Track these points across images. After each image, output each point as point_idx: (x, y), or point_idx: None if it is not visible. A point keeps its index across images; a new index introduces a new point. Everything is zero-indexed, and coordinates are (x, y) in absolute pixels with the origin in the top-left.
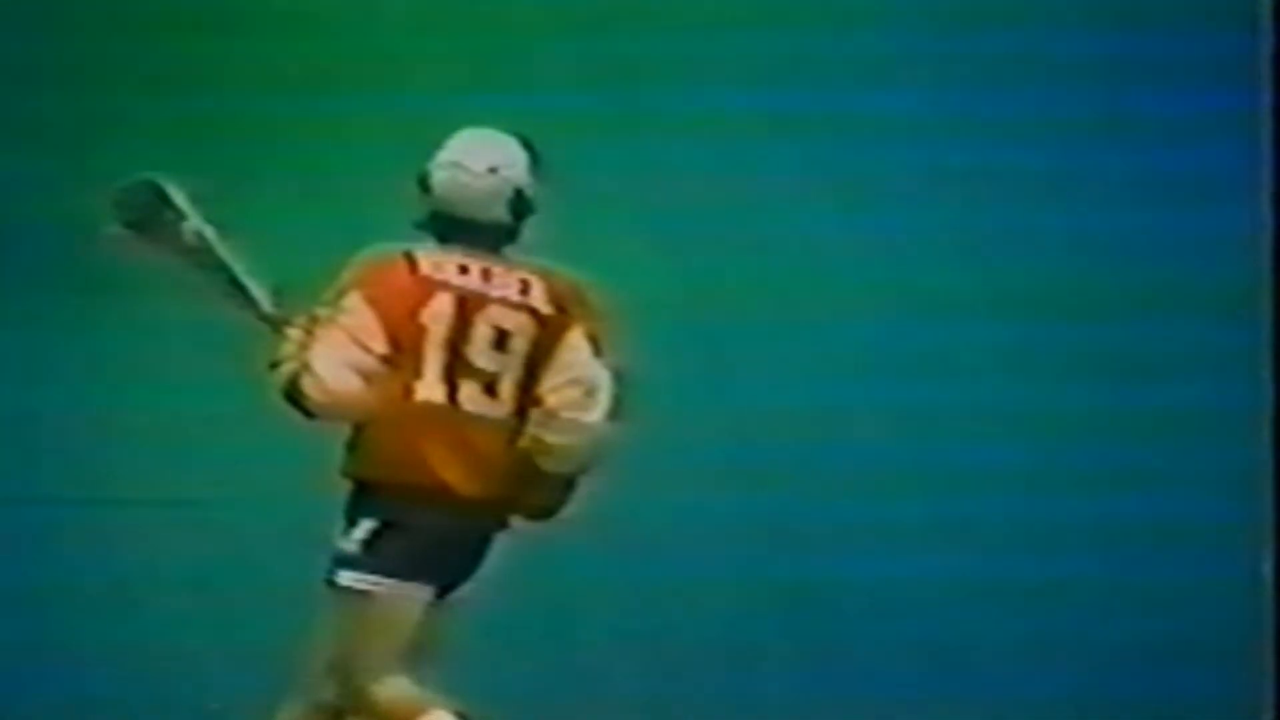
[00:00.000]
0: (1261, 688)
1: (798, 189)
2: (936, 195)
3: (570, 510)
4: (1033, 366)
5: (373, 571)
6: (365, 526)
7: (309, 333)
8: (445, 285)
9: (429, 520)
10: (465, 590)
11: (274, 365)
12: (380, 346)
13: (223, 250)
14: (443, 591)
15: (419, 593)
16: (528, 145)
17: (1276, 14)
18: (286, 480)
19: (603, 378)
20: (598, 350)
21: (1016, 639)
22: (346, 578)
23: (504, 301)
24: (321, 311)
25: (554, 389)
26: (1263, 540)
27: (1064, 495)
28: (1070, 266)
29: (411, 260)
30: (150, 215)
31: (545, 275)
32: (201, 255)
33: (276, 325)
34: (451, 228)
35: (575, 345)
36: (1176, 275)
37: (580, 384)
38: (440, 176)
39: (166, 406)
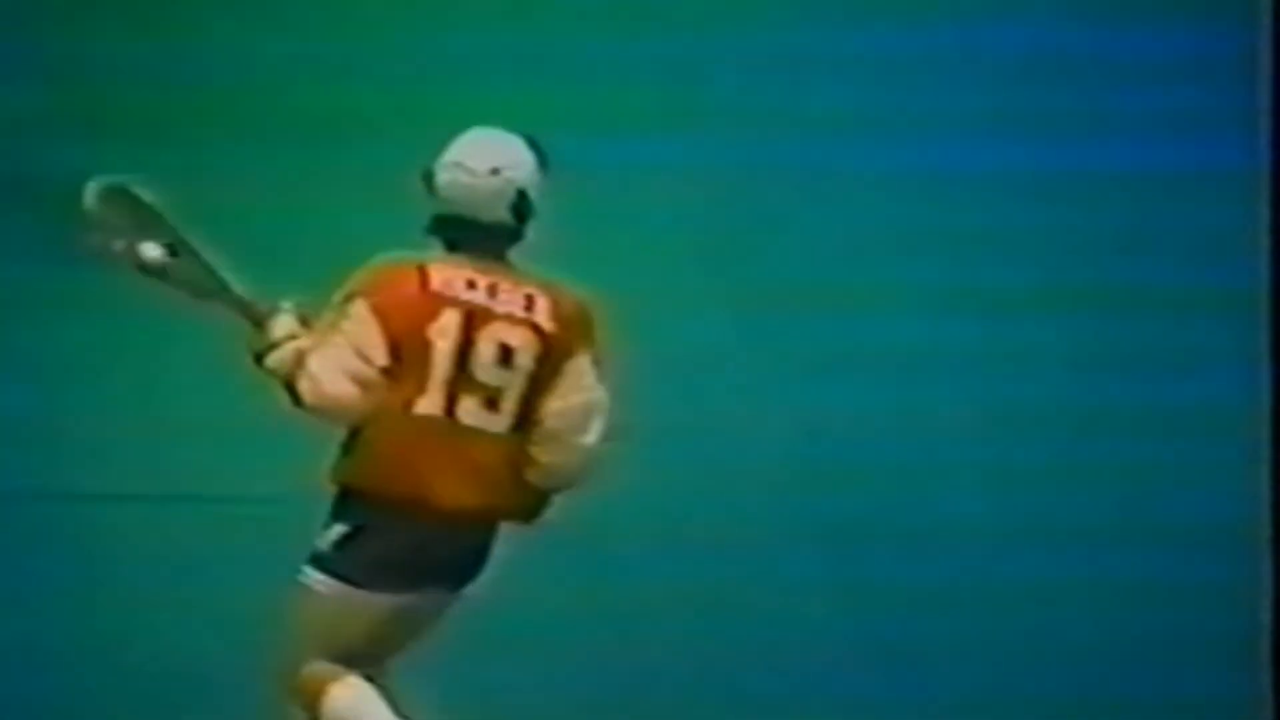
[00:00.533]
0: (1261, 688)
1: (841, 187)
2: (932, 194)
3: (624, 513)
4: (1030, 365)
5: (330, 574)
6: (337, 530)
7: (304, 322)
8: (454, 301)
9: (404, 531)
10: (511, 594)
11: (268, 349)
12: (381, 359)
13: (199, 249)
14: (449, 592)
15: (374, 599)
16: (534, 146)
17: (1276, 10)
18: (300, 476)
19: (602, 401)
20: (599, 372)
21: (1015, 638)
22: (307, 574)
23: (509, 317)
24: (327, 313)
25: (555, 411)
26: (1263, 540)
27: (1062, 494)
28: (1068, 265)
29: (424, 274)
30: (123, 218)
31: (551, 291)
32: (178, 257)
33: (260, 320)
34: (454, 229)
35: (579, 367)
36: (1176, 274)
37: (581, 408)
38: (443, 177)
39: (173, 400)
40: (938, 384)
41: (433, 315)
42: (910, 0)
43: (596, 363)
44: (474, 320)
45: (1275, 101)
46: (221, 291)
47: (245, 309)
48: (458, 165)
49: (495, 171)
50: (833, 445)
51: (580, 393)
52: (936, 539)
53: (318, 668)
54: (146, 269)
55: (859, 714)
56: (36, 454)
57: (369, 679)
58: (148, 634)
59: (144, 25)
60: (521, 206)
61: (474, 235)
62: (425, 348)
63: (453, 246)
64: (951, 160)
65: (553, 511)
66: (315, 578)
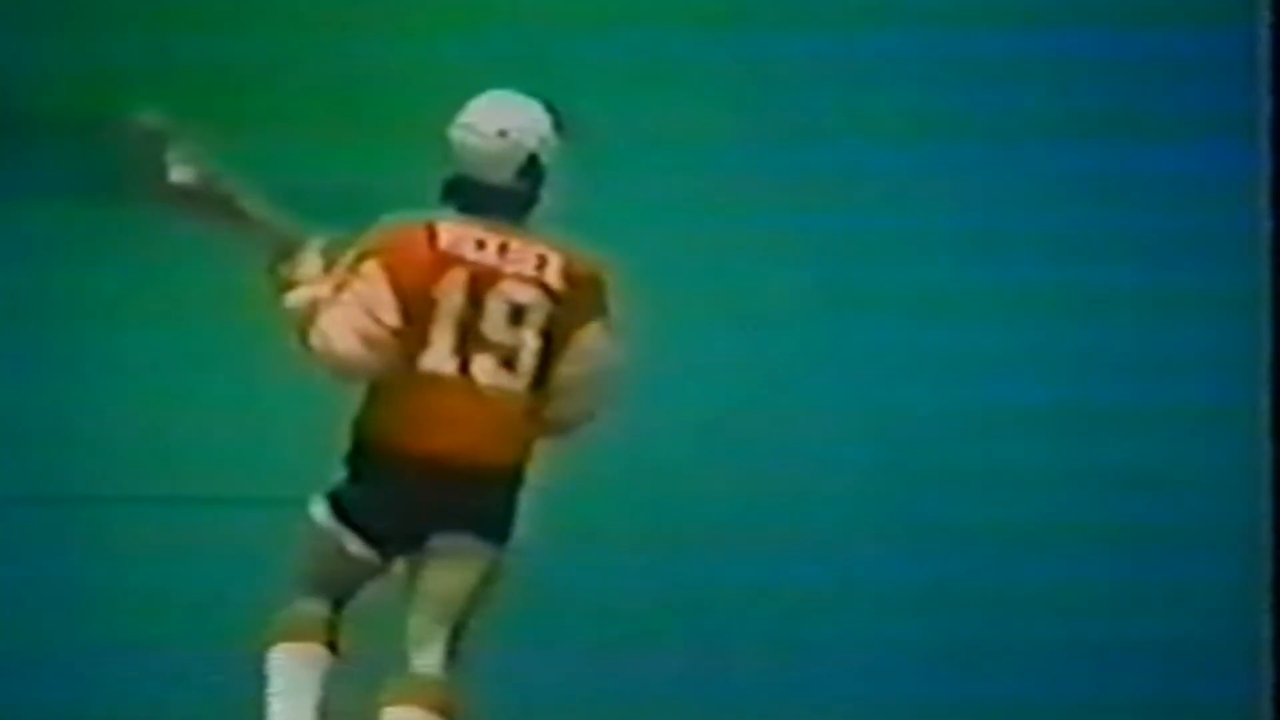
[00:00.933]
0: (1261, 688)
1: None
2: (931, 195)
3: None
4: (1031, 367)
5: (329, 507)
6: (343, 474)
7: (328, 264)
8: (461, 260)
9: (411, 484)
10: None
11: (289, 286)
12: (391, 319)
13: (230, 183)
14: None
15: (357, 547)
16: (551, 109)
17: (1276, 13)
18: (314, 479)
19: (613, 367)
20: (612, 338)
21: (1015, 639)
22: (314, 503)
23: (518, 276)
24: (339, 269)
25: (565, 375)
26: (1263, 540)
27: (1063, 495)
28: (1068, 267)
29: (432, 233)
30: (154, 149)
31: (565, 252)
32: (208, 190)
33: (290, 249)
34: (465, 190)
35: (591, 334)
36: (1176, 275)
37: (592, 375)
38: (455, 137)
39: (186, 402)
40: (931, 386)
41: (439, 274)
42: (906, 5)
43: (609, 329)
44: (482, 280)
45: (1275, 103)
46: (251, 216)
47: (275, 236)
48: (468, 127)
49: (503, 134)
50: (844, 445)
51: (591, 360)
52: (933, 541)
53: (294, 613)
54: (176, 193)
55: (864, 714)
56: (51, 457)
57: (332, 648)
58: (161, 638)
59: None
60: (531, 170)
61: (484, 197)
62: (431, 306)
63: (465, 208)
64: (951, 162)
65: (613, 508)
66: (318, 506)
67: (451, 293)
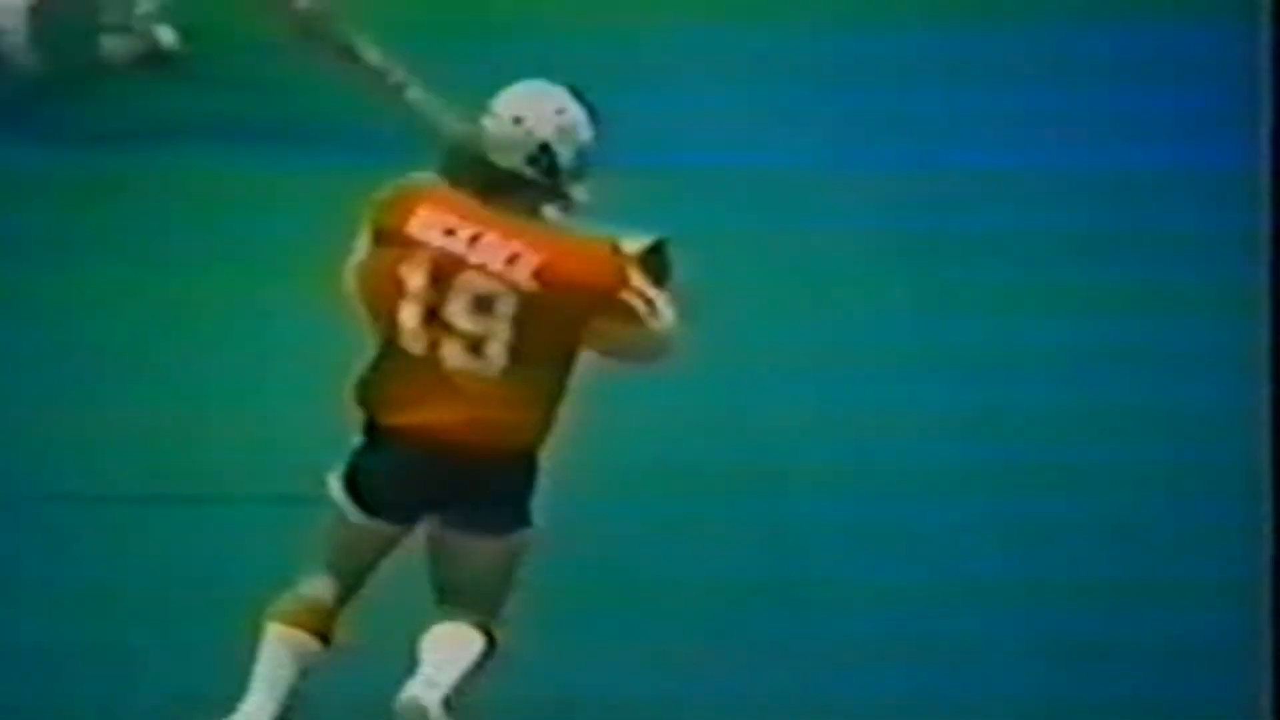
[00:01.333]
0: (1261, 688)
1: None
2: (932, 192)
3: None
4: (1030, 366)
5: (342, 477)
6: (354, 442)
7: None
8: (425, 246)
9: (391, 455)
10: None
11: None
12: (349, 284)
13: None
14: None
15: (358, 516)
16: (581, 100)
17: (1276, 10)
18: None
19: (658, 333)
20: (640, 314)
21: (1015, 639)
22: (331, 474)
23: (482, 269)
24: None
25: (616, 353)
26: (1263, 540)
27: (1062, 495)
28: (1068, 266)
29: (407, 215)
30: None
31: (555, 250)
32: (327, 27)
33: (393, 86)
34: (475, 172)
35: (611, 323)
36: (1176, 274)
37: (641, 350)
38: (484, 120)
39: (195, 400)
40: (930, 385)
41: (402, 256)
42: (907, 2)
43: (627, 312)
44: (445, 267)
45: (1275, 101)
46: (366, 59)
47: (387, 84)
48: (490, 112)
49: (518, 121)
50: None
51: (630, 346)
52: (934, 540)
53: (297, 593)
54: (298, 25)
55: (859, 714)
56: (62, 457)
57: (323, 640)
58: (176, 638)
59: None
60: (543, 159)
61: (489, 180)
62: (398, 286)
63: (483, 190)
64: (951, 159)
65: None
66: (333, 479)
67: (414, 275)
